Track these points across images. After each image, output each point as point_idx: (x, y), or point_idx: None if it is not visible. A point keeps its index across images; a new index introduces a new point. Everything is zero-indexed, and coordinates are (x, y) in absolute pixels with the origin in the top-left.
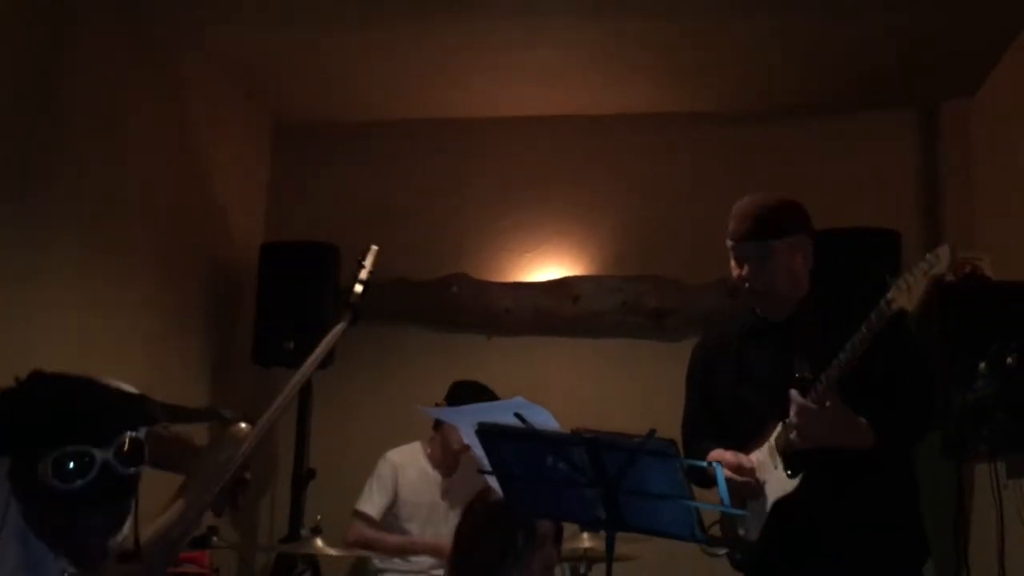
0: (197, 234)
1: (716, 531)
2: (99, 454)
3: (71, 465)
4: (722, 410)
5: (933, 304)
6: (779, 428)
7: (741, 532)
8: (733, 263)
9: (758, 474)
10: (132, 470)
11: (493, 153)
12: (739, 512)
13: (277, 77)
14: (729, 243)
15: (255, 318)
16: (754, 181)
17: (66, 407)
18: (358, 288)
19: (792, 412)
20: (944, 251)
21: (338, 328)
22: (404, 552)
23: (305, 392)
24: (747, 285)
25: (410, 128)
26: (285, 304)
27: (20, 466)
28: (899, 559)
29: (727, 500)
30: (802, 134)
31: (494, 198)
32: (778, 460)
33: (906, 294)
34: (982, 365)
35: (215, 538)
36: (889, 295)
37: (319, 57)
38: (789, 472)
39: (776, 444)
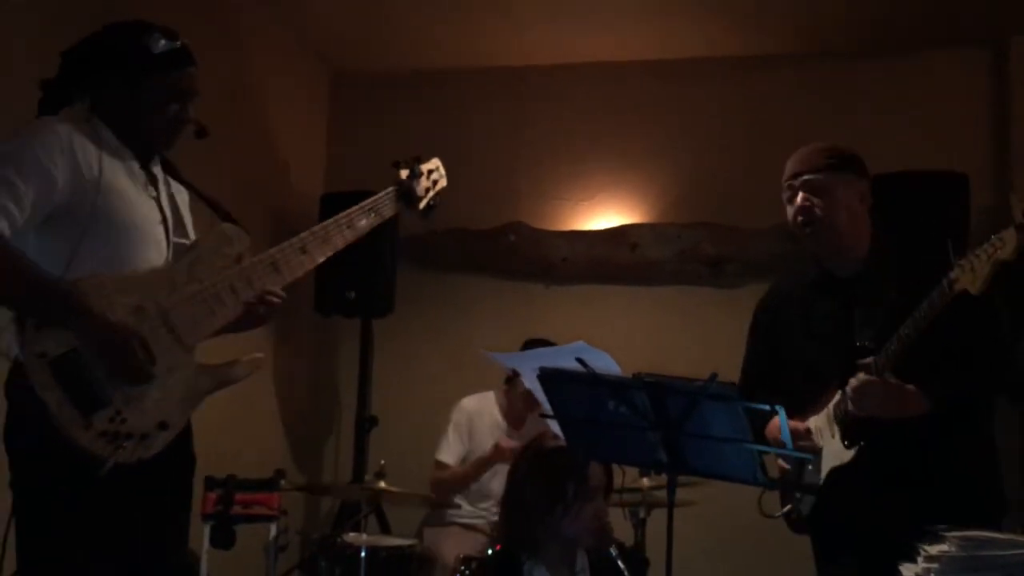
0: (258, 186)
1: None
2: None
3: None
4: (786, 365)
5: None
6: (838, 396)
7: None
8: (790, 201)
9: (815, 439)
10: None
11: (550, 101)
12: (803, 455)
13: (334, 27)
14: (786, 184)
15: (316, 268)
16: (816, 125)
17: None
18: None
19: (849, 387)
20: (1010, 235)
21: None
22: (480, 472)
23: (366, 340)
24: (801, 219)
25: (467, 76)
26: (345, 254)
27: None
28: (968, 516)
29: (790, 443)
30: (866, 75)
31: (551, 146)
32: (835, 429)
33: (970, 274)
34: None
35: (283, 481)
36: (952, 275)
37: (376, 6)
38: (846, 443)
39: (835, 413)
